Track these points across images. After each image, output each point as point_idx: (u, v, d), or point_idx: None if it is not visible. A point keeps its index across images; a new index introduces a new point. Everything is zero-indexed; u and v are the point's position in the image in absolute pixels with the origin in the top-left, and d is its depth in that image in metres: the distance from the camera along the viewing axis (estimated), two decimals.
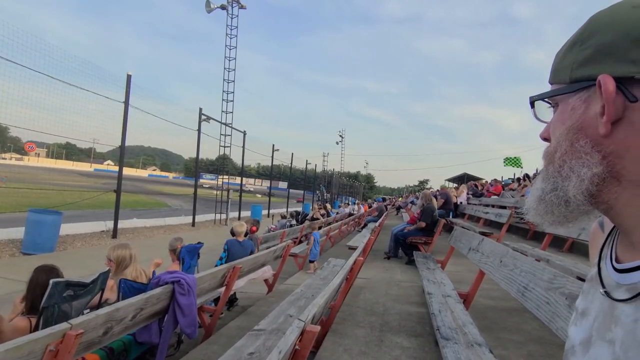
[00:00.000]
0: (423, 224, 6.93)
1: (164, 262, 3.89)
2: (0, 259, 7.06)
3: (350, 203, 28.46)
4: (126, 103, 10.03)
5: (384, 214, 14.35)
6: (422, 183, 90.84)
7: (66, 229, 9.08)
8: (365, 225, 12.88)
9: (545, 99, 0.52)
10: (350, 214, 16.84)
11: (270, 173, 27.43)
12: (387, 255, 7.28)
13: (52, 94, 8.83)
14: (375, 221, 12.09)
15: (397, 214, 21.67)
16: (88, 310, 2.53)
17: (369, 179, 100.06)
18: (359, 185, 68.82)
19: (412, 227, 7.11)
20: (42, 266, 2.42)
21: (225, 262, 4.30)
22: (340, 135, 54.89)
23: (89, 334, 1.84)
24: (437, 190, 16.15)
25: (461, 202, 11.74)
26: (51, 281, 2.17)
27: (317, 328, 1.77)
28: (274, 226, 11.06)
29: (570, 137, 0.46)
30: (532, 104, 0.53)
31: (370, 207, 21.57)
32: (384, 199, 29.98)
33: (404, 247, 7.06)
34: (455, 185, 23.69)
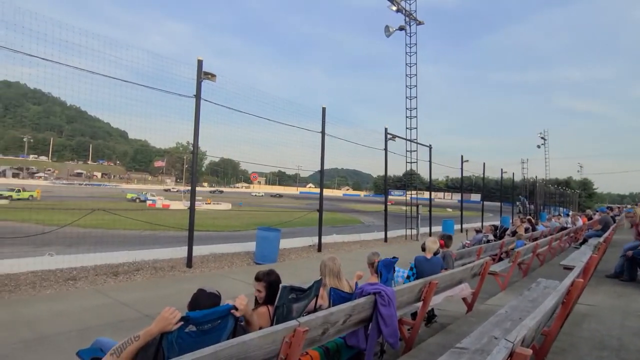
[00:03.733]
0: None
1: (364, 275, 4.22)
2: (241, 267, 8.96)
3: (562, 215, 24.20)
4: (323, 133, 11.42)
5: (611, 227, 11.63)
6: None
7: (284, 243, 10.80)
8: (585, 241, 10.73)
9: None
10: (562, 228, 14.32)
11: (460, 185, 26.07)
12: (618, 277, 5.89)
13: (267, 132, 10.84)
14: (599, 236, 9.93)
15: (631, 226, 17.21)
16: (306, 314, 2.99)
17: (585, 185, 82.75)
18: (572, 194, 57.87)
19: None
20: (270, 270, 3.04)
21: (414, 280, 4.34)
22: (542, 138, 47.55)
23: (312, 332, 2.19)
24: None
25: None
26: (280, 286, 2.69)
27: (529, 352, 1.62)
28: (468, 242, 10.43)
29: None
30: None
31: (590, 218, 17.84)
32: (609, 209, 24.27)
33: None
34: None
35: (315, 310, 3.03)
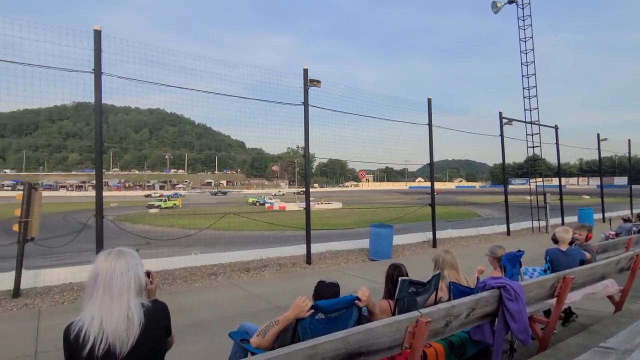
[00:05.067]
0: None
1: (485, 270, 4.02)
2: (356, 263, 9.22)
3: None
4: (430, 124, 11.06)
5: None
6: None
7: (397, 239, 10.76)
8: None
9: None
10: None
11: (598, 168, 22.53)
12: None
13: (372, 129, 10.92)
14: None
15: None
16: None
17: None
18: None
19: None
20: (392, 264, 3.12)
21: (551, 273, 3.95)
22: None
23: (434, 323, 2.22)
24: None
25: None
26: (400, 279, 2.77)
27: None
28: (612, 232, 9.01)
29: None
30: None
31: None
32: None
33: None
34: None
35: (435, 303, 3.02)
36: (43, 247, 7.15)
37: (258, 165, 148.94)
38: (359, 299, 2.43)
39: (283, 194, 75.10)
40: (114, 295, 1.52)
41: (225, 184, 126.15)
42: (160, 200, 43.97)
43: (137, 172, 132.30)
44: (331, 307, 2.31)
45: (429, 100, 11.15)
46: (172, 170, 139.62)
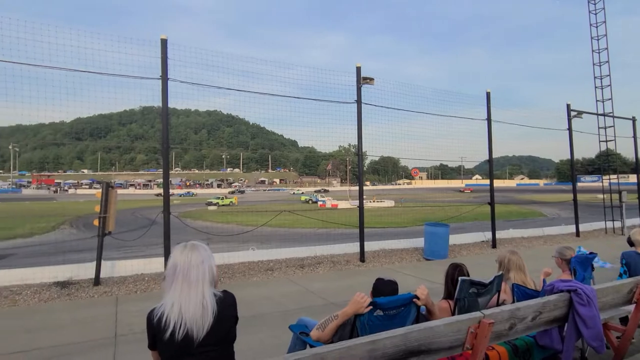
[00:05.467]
0: None
1: (552, 273, 3.80)
2: (410, 262, 9.07)
3: None
4: (488, 119, 10.58)
5: None
6: None
7: (453, 239, 10.42)
8: None
9: None
10: None
11: None
12: None
13: (426, 125, 10.65)
14: None
15: None
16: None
17: None
18: None
19: None
20: (452, 263, 3.05)
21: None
22: None
23: (498, 325, 2.16)
24: None
25: None
26: (460, 279, 2.71)
27: None
28: None
29: None
30: None
31: None
32: None
33: None
34: None
35: (497, 306, 2.92)
36: (119, 240, 7.82)
37: (310, 164, 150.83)
38: (418, 298, 2.42)
39: (322, 191, 75.25)
40: (191, 285, 1.67)
41: (278, 182, 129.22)
42: (218, 198, 46.09)
43: (196, 171, 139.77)
44: (389, 304, 2.32)
45: (488, 94, 10.66)
46: (229, 169, 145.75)
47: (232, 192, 72.38)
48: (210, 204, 42.92)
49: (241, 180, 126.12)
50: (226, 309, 1.76)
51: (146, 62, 7.17)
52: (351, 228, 14.93)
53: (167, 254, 6.85)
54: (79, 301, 5.95)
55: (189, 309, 1.63)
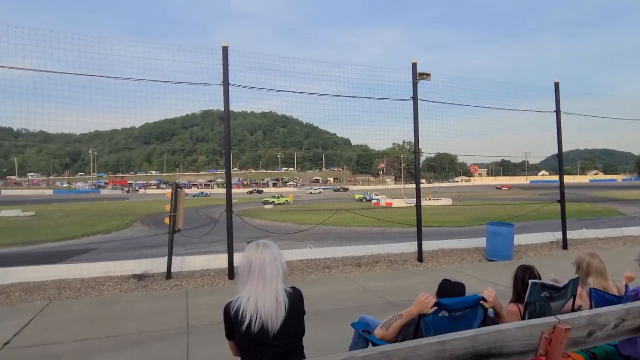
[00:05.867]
0: None
1: (635, 278, 3.49)
2: (472, 263, 8.73)
3: None
4: (557, 111, 9.88)
5: None
6: None
7: (518, 239, 9.86)
8: None
9: None
10: None
11: None
12: None
13: (486, 120, 10.18)
14: None
15: None
16: None
17: None
18: None
19: None
20: (522, 265, 2.91)
21: None
22: None
23: (575, 332, 2.04)
24: None
25: None
26: (530, 282, 2.59)
27: None
28: None
29: None
30: None
31: None
32: None
33: None
34: None
35: (573, 312, 2.75)
36: (187, 237, 8.37)
37: (364, 162, 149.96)
38: (485, 300, 2.36)
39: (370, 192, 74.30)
40: (266, 281, 1.78)
41: (332, 181, 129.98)
42: (274, 197, 47.40)
43: (253, 171, 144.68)
44: (456, 305, 2.29)
45: (557, 85, 9.94)
46: (284, 168, 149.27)
47: (342, 190, 76.48)
48: (266, 202, 44.28)
49: (296, 179, 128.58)
50: (297, 304, 1.85)
51: (201, 68, 7.60)
52: (407, 227, 14.68)
53: (230, 251, 7.21)
54: (154, 293, 6.46)
55: (265, 303, 1.74)
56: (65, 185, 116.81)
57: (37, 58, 6.74)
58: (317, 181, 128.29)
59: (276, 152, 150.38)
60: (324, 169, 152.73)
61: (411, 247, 9.43)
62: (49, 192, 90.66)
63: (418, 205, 8.65)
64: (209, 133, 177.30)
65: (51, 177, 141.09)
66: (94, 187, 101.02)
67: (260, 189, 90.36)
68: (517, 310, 2.68)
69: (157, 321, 5.02)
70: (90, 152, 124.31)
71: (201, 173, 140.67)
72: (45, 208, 41.18)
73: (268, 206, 41.96)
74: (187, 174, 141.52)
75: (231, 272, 7.18)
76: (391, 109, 9.07)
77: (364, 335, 2.82)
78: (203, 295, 6.27)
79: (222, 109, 7.30)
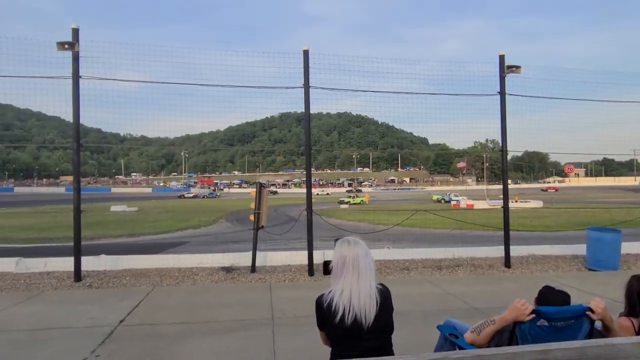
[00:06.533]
0: None
1: None
2: (569, 272, 7.94)
3: None
4: None
5: None
6: None
7: (626, 247, 8.75)
8: None
9: None
10: None
11: None
12: None
13: (584, 114, 9.17)
14: None
15: None
16: None
17: None
18: None
19: None
20: (636, 276, 2.60)
21: None
22: None
23: None
24: None
25: None
26: None
27: None
28: None
29: None
30: None
31: None
32: None
33: None
34: None
35: None
36: (269, 234, 8.81)
37: (442, 162, 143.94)
38: (592, 311, 2.15)
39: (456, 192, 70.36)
40: (361, 275, 1.83)
41: (408, 181, 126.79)
42: (350, 197, 47.65)
43: (329, 171, 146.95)
44: (558, 314, 2.12)
45: None
46: (359, 168, 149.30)
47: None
48: (342, 202, 44.66)
49: (371, 179, 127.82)
50: (386, 300, 1.88)
51: (278, 72, 7.92)
52: (491, 230, 13.79)
53: (310, 248, 7.44)
54: (240, 284, 6.92)
55: (360, 297, 1.79)
56: (161, 184, 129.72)
57: (134, 71, 7.63)
58: (393, 181, 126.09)
59: (351, 152, 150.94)
60: (399, 169, 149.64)
61: (497, 251, 8.87)
62: (148, 190, 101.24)
63: (505, 207, 8.10)
64: (287, 134, 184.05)
65: (150, 177, 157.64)
66: (184, 186, 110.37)
67: (275, 189, 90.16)
68: (631, 324, 2.40)
69: (244, 311, 5.37)
70: (182, 153, 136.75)
71: (279, 173, 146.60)
72: (146, 204, 46.07)
73: (343, 205, 42.30)
74: (266, 173, 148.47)
75: (311, 269, 7.40)
76: (473, 106, 8.62)
77: (450, 339, 2.74)
78: (285, 289, 6.56)
79: (299, 111, 7.60)
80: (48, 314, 5.24)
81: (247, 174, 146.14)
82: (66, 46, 6.59)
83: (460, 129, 9.62)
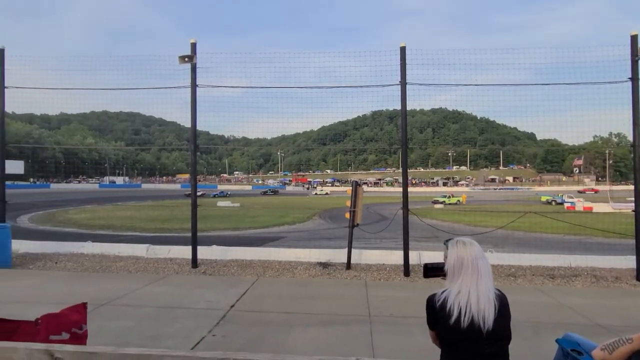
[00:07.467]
0: None
1: None
2: None
3: None
4: None
5: None
6: None
7: None
8: None
9: None
10: None
11: None
12: None
13: None
14: None
15: None
16: None
17: None
18: None
19: None
20: None
21: None
22: None
23: None
24: None
25: None
26: None
27: None
28: None
29: None
30: None
31: None
32: None
33: None
34: None
35: None
36: (364, 232, 8.87)
37: (552, 159, 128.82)
38: None
39: (583, 192, 62.13)
40: (480, 276, 1.78)
41: (511, 180, 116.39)
42: (445, 197, 45.47)
43: (422, 169, 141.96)
44: None
45: None
46: (455, 167, 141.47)
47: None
48: (436, 202, 42.83)
49: (468, 178, 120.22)
50: (504, 307, 1.79)
51: (370, 70, 7.89)
52: (615, 237, 12.02)
53: (405, 248, 7.32)
54: (337, 280, 7.10)
55: (478, 300, 1.73)
56: (259, 182, 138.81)
57: (237, 77, 8.29)
58: (493, 180, 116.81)
59: (446, 150, 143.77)
60: (500, 167, 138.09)
61: (625, 261, 7.73)
62: (249, 187, 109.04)
63: (637, 211, 6.99)
64: (378, 133, 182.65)
65: (250, 175, 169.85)
66: (280, 184, 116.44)
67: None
68: None
69: (342, 306, 5.51)
70: (278, 153, 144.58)
71: (370, 171, 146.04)
72: (247, 200, 49.75)
73: (438, 205, 40.52)
74: (357, 172, 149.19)
75: (406, 269, 7.27)
76: (592, 95, 7.59)
77: (572, 355, 2.48)
78: (380, 288, 6.56)
79: (390, 109, 7.53)
80: (173, 295, 6.01)
81: (340, 172, 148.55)
82: (186, 59, 7.46)
83: (576, 121, 8.56)
